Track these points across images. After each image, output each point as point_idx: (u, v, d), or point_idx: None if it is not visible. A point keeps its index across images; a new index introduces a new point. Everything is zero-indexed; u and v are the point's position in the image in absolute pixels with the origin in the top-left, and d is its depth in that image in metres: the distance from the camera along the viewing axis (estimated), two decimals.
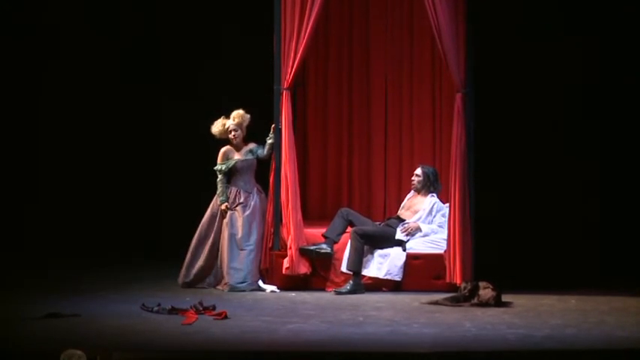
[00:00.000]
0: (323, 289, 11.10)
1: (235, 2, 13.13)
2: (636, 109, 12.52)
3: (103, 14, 13.48)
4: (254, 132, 11.49)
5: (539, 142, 12.52)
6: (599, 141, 12.58)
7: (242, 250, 11.19)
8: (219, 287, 11.20)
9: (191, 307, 9.66)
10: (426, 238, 11.22)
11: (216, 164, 11.39)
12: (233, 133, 11.37)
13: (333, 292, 10.94)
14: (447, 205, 11.11)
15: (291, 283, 11.10)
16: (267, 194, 11.34)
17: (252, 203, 11.34)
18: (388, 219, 11.59)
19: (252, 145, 11.43)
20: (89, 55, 13.46)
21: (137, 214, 13.46)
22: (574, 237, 12.33)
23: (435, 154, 12.21)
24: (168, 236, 12.94)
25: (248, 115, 11.41)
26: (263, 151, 11.39)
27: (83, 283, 11.39)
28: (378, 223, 11.57)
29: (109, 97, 13.50)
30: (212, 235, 11.33)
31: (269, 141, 11.33)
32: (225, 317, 9.41)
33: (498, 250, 11.66)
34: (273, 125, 11.28)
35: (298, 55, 11.10)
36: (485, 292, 10.15)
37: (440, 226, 11.24)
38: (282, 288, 11.05)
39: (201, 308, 9.62)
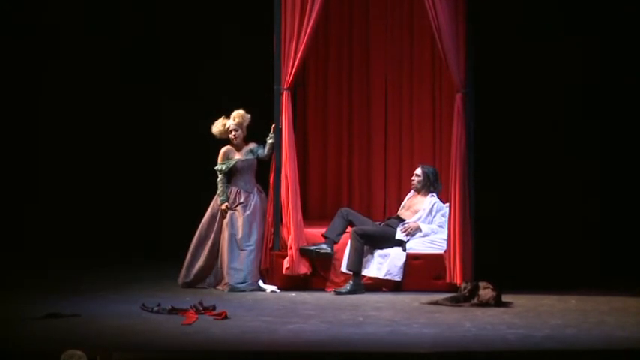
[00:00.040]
0: (323, 289, 11.10)
1: (235, 2, 13.13)
2: (636, 109, 12.52)
3: (103, 14, 13.48)
4: (254, 132, 11.49)
5: (539, 142, 12.52)
6: (599, 141, 12.58)
7: (242, 250, 11.19)
8: (219, 287, 11.20)
9: (191, 307, 9.66)
10: (426, 238, 11.22)
11: (216, 164, 11.39)
12: (233, 133, 11.37)
13: (333, 292, 10.94)
14: (447, 205, 11.11)
15: (291, 283, 11.10)
16: (267, 194, 11.34)
17: (253, 203, 11.34)
18: (388, 219, 11.59)
19: (252, 145, 11.43)
20: (89, 55, 13.46)
21: (137, 214, 13.45)
22: (574, 237, 12.33)
23: (435, 154, 12.21)
24: (168, 236, 12.94)
25: (248, 115, 11.41)
26: (263, 151, 11.39)
27: (83, 283, 11.39)
28: (378, 223, 11.57)
29: (109, 97, 13.50)
30: (212, 235, 11.33)
31: (269, 141, 11.33)
32: (225, 317, 9.41)
33: (498, 250, 11.66)
34: (273, 125, 11.29)
35: (298, 55, 11.10)
36: (485, 292, 10.15)
37: (440, 226, 11.24)
38: (282, 288, 11.05)
39: (201, 308, 9.62)
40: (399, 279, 11.06)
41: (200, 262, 11.29)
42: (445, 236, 10.99)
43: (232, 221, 11.27)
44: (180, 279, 11.30)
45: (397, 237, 11.20)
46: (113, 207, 13.51)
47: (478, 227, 10.95)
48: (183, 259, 11.33)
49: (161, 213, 13.53)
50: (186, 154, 13.31)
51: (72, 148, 13.48)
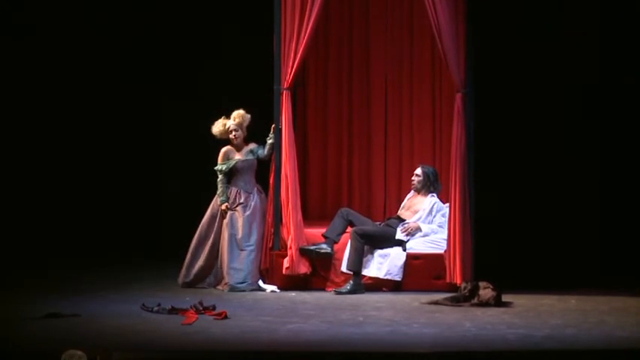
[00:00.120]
0: (323, 289, 11.10)
1: (235, 2, 13.13)
2: (636, 109, 12.52)
3: (103, 14, 13.48)
4: (254, 132, 11.49)
5: (539, 142, 12.52)
6: (599, 141, 12.57)
7: (242, 250, 11.19)
8: (219, 287, 11.20)
9: (191, 307, 9.66)
10: (426, 238, 11.22)
11: (216, 164, 11.39)
12: (234, 133, 11.37)
13: (333, 292, 10.94)
14: (447, 205, 11.11)
15: (291, 283, 11.10)
16: (267, 194, 11.34)
17: (253, 203, 11.34)
18: (388, 219, 11.59)
19: (252, 146, 11.43)
20: (89, 55, 13.46)
21: (137, 214, 13.45)
22: (574, 237, 12.33)
23: (435, 154, 12.21)
24: (168, 236, 12.93)
25: (249, 116, 11.41)
26: (263, 152, 11.39)
27: (83, 283, 11.39)
28: (378, 223, 11.57)
29: (109, 97, 13.50)
30: (212, 235, 11.33)
31: (269, 141, 11.33)
32: (225, 317, 9.41)
33: (498, 250, 11.66)
34: (273, 125, 11.29)
35: (298, 55, 11.10)
36: (486, 292, 10.15)
37: (440, 226, 11.24)
38: (282, 288, 11.05)
39: (201, 308, 9.62)
40: (399, 279, 11.06)
41: (200, 262, 11.29)
42: (445, 236, 10.99)
43: (232, 221, 11.27)
44: (180, 279, 11.30)
45: (397, 237, 11.20)
46: (113, 207, 13.51)
47: (478, 227, 10.95)
48: (183, 259, 11.33)
49: (161, 213, 13.53)
50: (186, 154, 13.31)
51: (72, 148, 13.48)
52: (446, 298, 10.26)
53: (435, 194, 11.43)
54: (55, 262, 12.63)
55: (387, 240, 11.18)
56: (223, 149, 11.42)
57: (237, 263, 11.15)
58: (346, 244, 11.12)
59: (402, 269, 11.06)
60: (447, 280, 10.85)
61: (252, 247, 11.19)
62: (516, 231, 12.24)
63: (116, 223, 13.43)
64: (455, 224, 10.82)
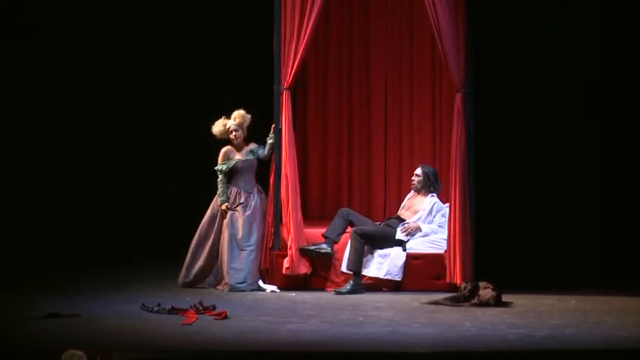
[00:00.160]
0: (323, 289, 11.10)
1: (235, 2, 13.13)
2: (636, 109, 12.52)
3: (103, 14, 13.48)
4: (254, 132, 11.49)
5: (539, 142, 12.52)
6: (599, 141, 12.57)
7: (242, 250, 11.19)
8: (219, 287, 11.20)
9: (191, 307, 9.66)
10: (426, 238, 11.22)
11: (216, 164, 11.39)
12: (234, 133, 11.37)
13: (333, 292, 10.94)
14: (447, 205, 11.10)
15: (291, 283, 11.10)
16: (267, 194, 11.34)
17: (253, 203, 11.34)
18: (388, 219, 11.59)
19: (252, 146, 11.43)
20: (89, 55, 13.46)
21: (137, 214, 13.45)
22: (574, 237, 12.33)
23: (435, 154, 12.21)
24: (168, 236, 12.93)
25: (249, 116, 11.41)
26: (264, 152, 11.39)
27: (83, 283, 11.39)
28: (378, 223, 11.57)
29: (109, 97, 13.50)
30: (212, 235, 11.33)
31: (269, 141, 11.33)
32: (225, 317, 9.41)
33: (498, 250, 11.66)
34: (273, 125, 11.29)
35: (298, 55, 11.10)
36: (486, 292, 10.15)
37: (440, 226, 11.24)
38: (282, 288, 11.05)
39: (201, 308, 9.62)
40: (399, 279, 11.06)
41: (200, 262, 11.29)
42: (445, 236, 10.99)
43: (232, 221, 11.27)
44: (180, 279, 11.30)
45: (397, 237, 11.20)
46: (113, 207, 13.51)
47: (478, 227, 10.95)
48: (183, 259, 11.33)
49: (161, 213, 13.53)
50: (186, 154, 13.31)
51: (72, 148, 13.48)
52: (446, 298, 10.26)
53: (435, 194, 11.43)
54: (55, 262, 12.63)
55: (387, 240, 11.18)
56: (223, 149, 11.42)
57: (238, 263, 11.15)
58: (346, 244, 11.12)
59: (402, 269, 11.06)
60: (447, 280, 10.85)
61: (252, 247, 11.19)
62: (516, 231, 12.24)
63: (116, 223, 13.43)
64: (455, 224, 10.82)
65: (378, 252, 11.11)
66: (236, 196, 11.34)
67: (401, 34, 12.32)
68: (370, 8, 12.40)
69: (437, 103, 12.21)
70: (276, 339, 8.62)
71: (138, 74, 13.49)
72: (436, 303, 10.20)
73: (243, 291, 10.98)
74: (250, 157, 11.40)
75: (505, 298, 10.17)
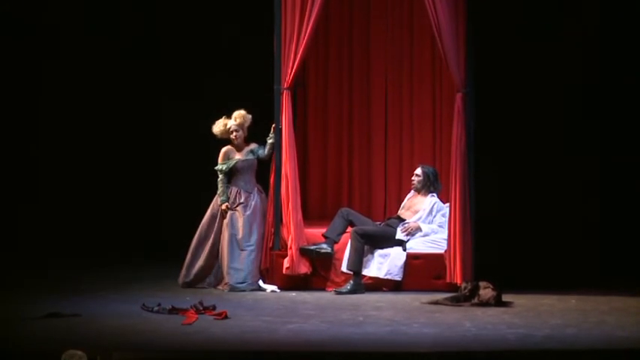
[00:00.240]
0: (323, 289, 11.09)
1: (235, 2, 13.13)
2: (636, 109, 12.52)
3: (103, 14, 13.48)
4: (254, 132, 11.49)
5: (539, 142, 12.52)
6: (599, 141, 12.57)
7: (242, 250, 11.19)
8: (219, 287, 11.20)
9: (191, 307, 9.66)
10: (426, 237, 11.22)
11: (216, 164, 11.39)
12: (234, 133, 11.37)
13: (333, 292, 10.94)
14: (447, 205, 11.11)
15: (292, 283, 11.10)
16: (267, 194, 11.34)
17: (253, 203, 11.34)
18: (388, 219, 11.59)
19: (253, 146, 11.43)
20: (89, 55, 13.45)
21: (137, 214, 13.45)
22: (574, 237, 12.33)
23: (435, 154, 12.21)
24: (168, 236, 12.93)
25: (249, 116, 11.41)
26: (264, 151, 11.39)
27: (83, 283, 11.39)
28: (378, 223, 11.57)
29: (109, 97, 13.49)
30: (212, 235, 11.33)
31: (269, 141, 11.33)
32: (226, 317, 9.41)
33: (498, 250, 11.66)
34: (273, 125, 11.29)
35: (298, 55, 11.10)
36: (486, 292, 10.15)
37: (440, 226, 11.24)
38: (282, 288, 11.05)
39: (201, 308, 9.62)
40: (399, 279, 11.06)
41: (200, 262, 11.29)
42: (445, 236, 10.99)
43: (233, 221, 11.27)
44: (181, 279, 11.30)
45: (397, 237, 11.20)
46: (113, 207, 13.51)
47: (478, 227, 10.95)
48: (184, 259, 11.33)
49: (161, 213, 13.53)
50: (186, 154, 13.31)
51: (72, 148, 13.48)
52: (446, 298, 10.26)
53: (435, 194, 11.43)
54: (55, 262, 12.62)
55: (387, 240, 11.18)
56: (224, 149, 11.42)
57: (238, 263, 11.15)
58: (346, 244, 11.12)
59: (402, 269, 11.06)
60: (447, 280, 10.85)
61: (252, 247, 11.19)
62: (516, 231, 12.24)
63: (116, 223, 13.42)
64: (455, 224, 10.82)
65: (379, 252, 11.11)
66: (236, 195, 11.34)
67: (401, 33, 12.32)
68: (370, 8, 12.40)
69: (437, 102, 12.21)
70: (276, 339, 8.62)
71: (138, 74, 13.48)
72: (436, 303, 10.20)
73: (244, 291, 10.98)
74: (250, 157, 11.40)
75: (505, 298, 10.17)
